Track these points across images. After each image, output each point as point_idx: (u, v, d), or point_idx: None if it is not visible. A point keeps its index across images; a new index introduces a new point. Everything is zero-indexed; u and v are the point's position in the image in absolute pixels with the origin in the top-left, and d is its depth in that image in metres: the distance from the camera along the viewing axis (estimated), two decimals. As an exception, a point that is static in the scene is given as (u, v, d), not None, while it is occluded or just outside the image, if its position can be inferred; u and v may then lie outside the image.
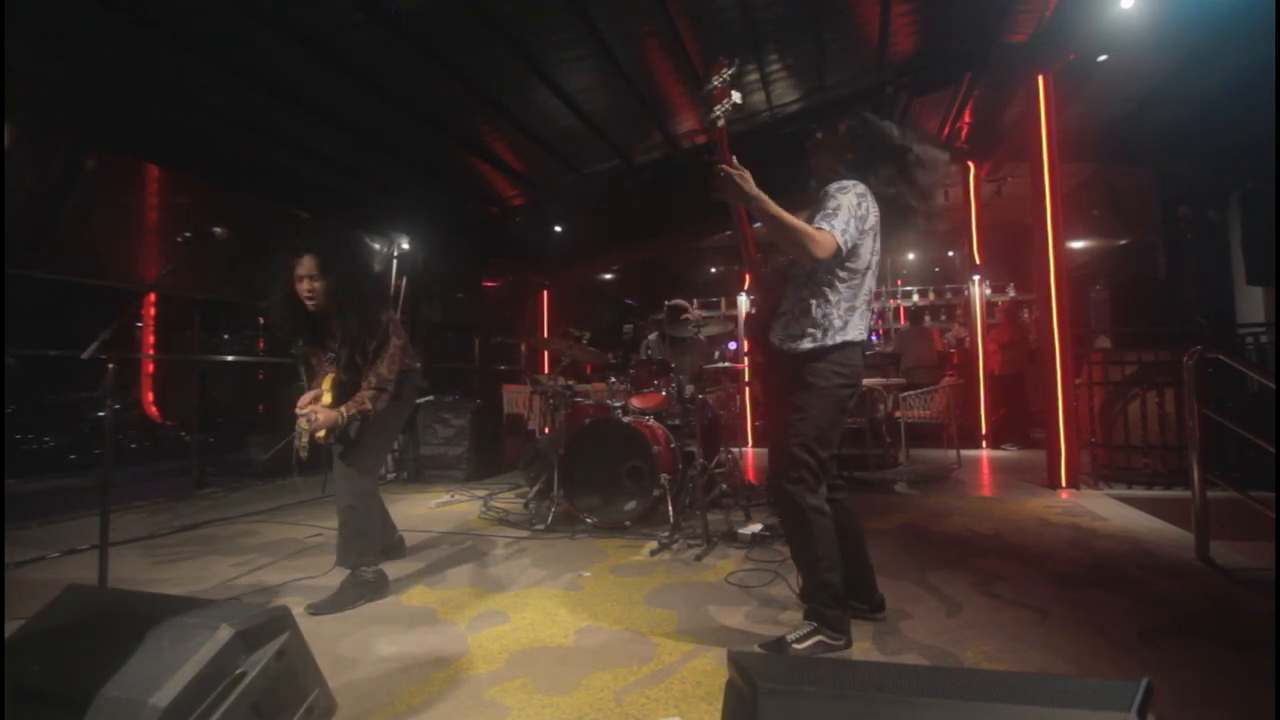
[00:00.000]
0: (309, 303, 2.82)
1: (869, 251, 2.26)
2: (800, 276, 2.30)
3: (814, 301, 2.24)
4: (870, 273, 2.29)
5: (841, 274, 2.23)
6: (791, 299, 2.31)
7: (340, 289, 2.82)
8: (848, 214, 2.15)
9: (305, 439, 2.74)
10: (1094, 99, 6.41)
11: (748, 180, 2.08)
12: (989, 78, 6.39)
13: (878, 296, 10.04)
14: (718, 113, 2.16)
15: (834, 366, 2.22)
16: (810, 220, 2.15)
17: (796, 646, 2.18)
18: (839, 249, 2.11)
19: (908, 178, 2.31)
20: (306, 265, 2.79)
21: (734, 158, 2.11)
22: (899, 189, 2.30)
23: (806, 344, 2.23)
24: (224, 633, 1.43)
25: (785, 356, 2.28)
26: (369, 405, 2.80)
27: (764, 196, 2.07)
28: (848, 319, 2.24)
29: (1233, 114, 6.34)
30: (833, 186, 2.22)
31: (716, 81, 2.17)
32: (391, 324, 2.93)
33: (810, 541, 2.22)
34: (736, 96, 2.17)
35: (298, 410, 2.77)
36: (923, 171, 2.33)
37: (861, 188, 2.23)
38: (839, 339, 2.22)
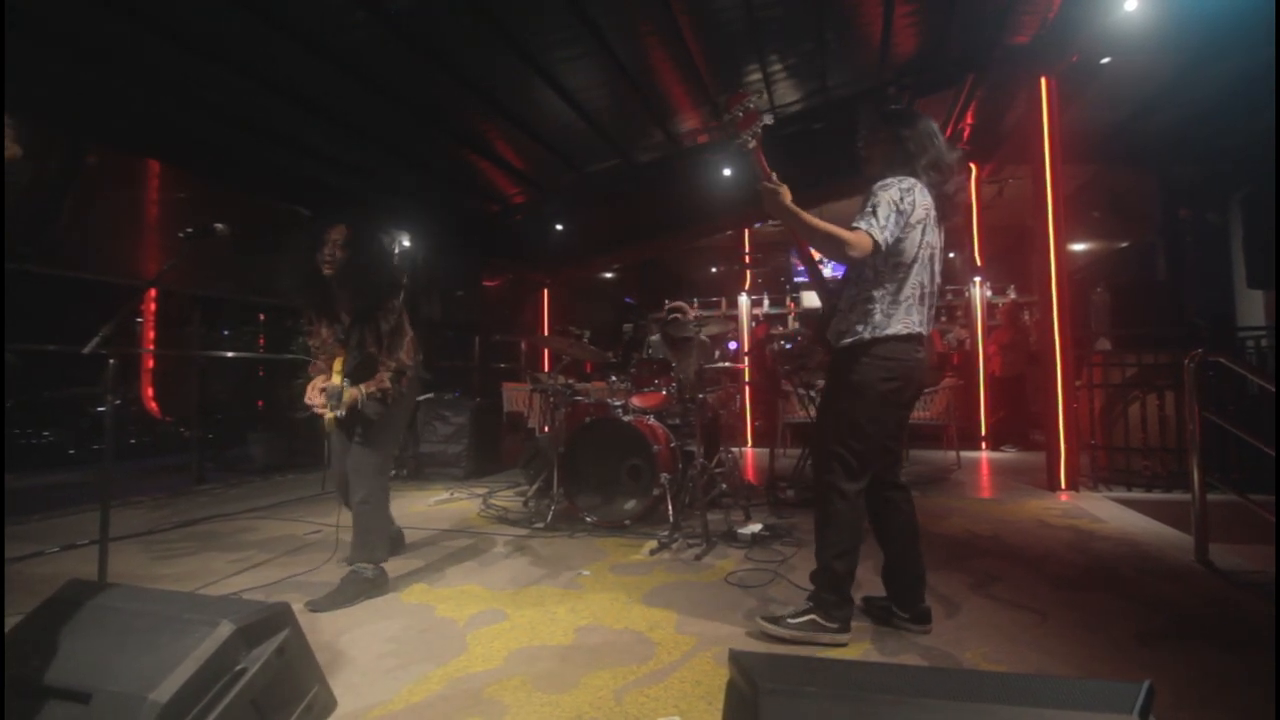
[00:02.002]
0: (326, 267, 2.86)
1: (915, 245, 2.27)
2: (853, 276, 2.35)
3: (861, 297, 2.30)
4: (919, 265, 2.29)
5: (884, 269, 2.27)
6: (845, 298, 2.36)
7: (357, 264, 2.88)
8: (888, 209, 2.19)
9: (340, 400, 2.76)
10: (1096, 101, 6.41)
11: (785, 195, 2.20)
12: (991, 79, 6.39)
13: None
14: (746, 136, 2.21)
15: (875, 361, 2.25)
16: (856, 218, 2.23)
17: (790, 621, 2.30)
18: (878, 246, 2.16)
19: (944, 175, 2.35)
20: (337, 233, 2.88)
21: (774, 174, 2.22)
22: (945, 184, 2.34)
23: (849, 339, 2.30)
24: (224, 629, 1.43)
25: (833, 352, 2.37)
26: (388, 385, 2.84)
27: (794, 208, 2.20)
28: (891, 313, 2.26)
29: (1234, 117, 6.34)
30: (877, 185, 2.26)
31: (739, 111, 2.21)
32: (404, 312, 3.00)
33: (829, 525, 2.30)
34: (768, 119, 2.23)
35: (315, 390, 2.83)
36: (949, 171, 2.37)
37: (908, 182, 2.25)
38: (881, 333, 2.25)
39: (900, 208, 2.20)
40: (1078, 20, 5.13)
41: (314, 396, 2.83)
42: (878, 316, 2.26)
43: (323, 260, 2.87)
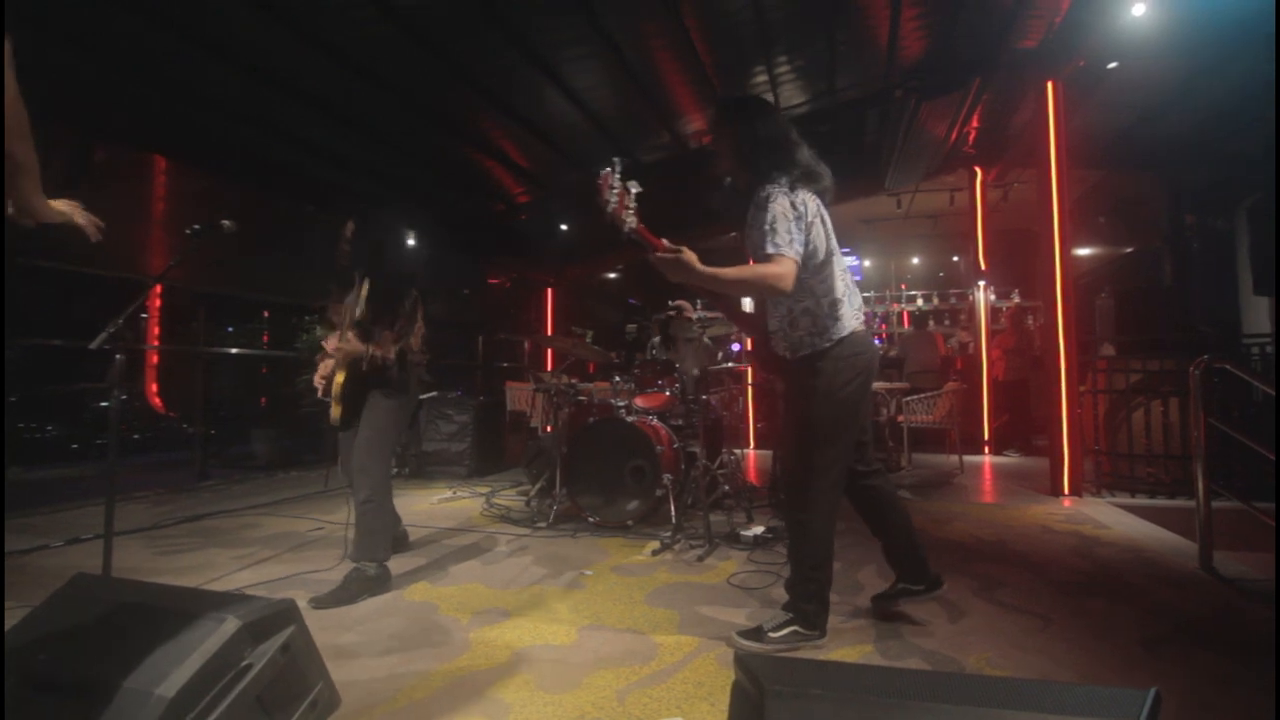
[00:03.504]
0: (342, 259, 3.11)
1: (823, 239, 2.23)
2: None
3: (799, 310, 2.26)
4: (835, 256, 2.28)
5: (808, 276, 2.22)
6: (776, 315, 2.32)
7: (369, 254, 3.09)
8: (785, 222, 2.11)
9: (340, 370, 2.93)
10: (1102, 106, 6.40)
11: (685, 255, 2.02)
12: (998, 83, 6.37)
13: (881, 300, 10.13)
14: (626, 219, 2.00)
15: (839, 363, 2.23)
16: (756, 244, 2.13)
17: (772, 635, 2.25)
18: (797, 264, 2.10)
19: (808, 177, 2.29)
20: (347, 228, 3.12)
21: (663, 240, 2.05)
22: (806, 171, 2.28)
23: (806, 350, 2.26)
24: (230, 625, 1.43)
25: (791, 365, 2.31)
26: (392, 356, 2.93)
27: (704, 269, 2.01)
28: (839, 313, 2.25)
29: (1241, 123, 6.32)
30: (761, 197, 2.18)
31: (611, 198, 1.98)
32: (418, 304, 3.11)
33: (806, 537, 2.28)
34: (634, 188, 2.03)
35: (324, 369, 3.03)
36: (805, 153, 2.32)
37: (785, 181, 2.20)
38: (839, 335, 2.24)
39: (795, 213, 2.13)
40: (1085, 24, 5.12)
41: (323, 371, 3.02)
42: (828, 321, 2.24)
43: (339, 254, 3.09)
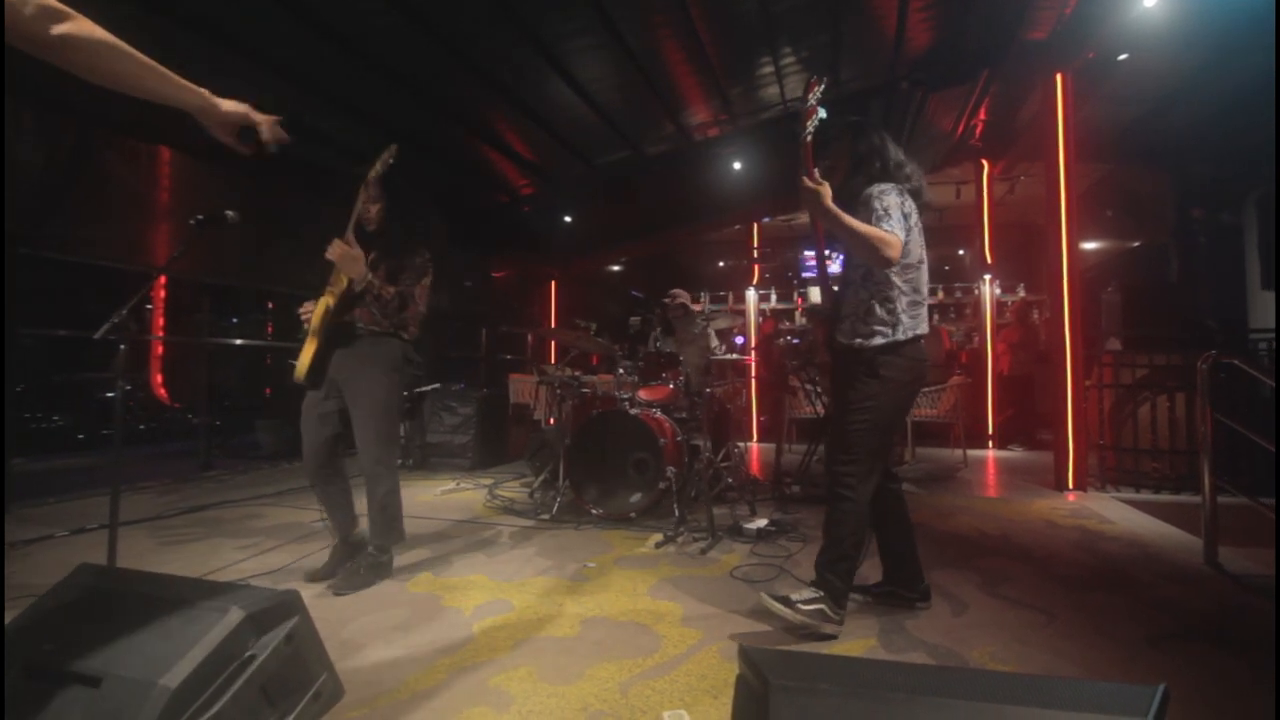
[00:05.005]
0: (369, 225, 2.93)
1: (918, 246, 2.39)
2: (857, 279, 2.41)
3: (876, 301, 2.36)
4: (923, 266, 2.42)
5: (899, 272, 2.34)
6: (852, 300, 2.42)
7: (392, 207, 2.95)
8: (898, 213, 2.28)
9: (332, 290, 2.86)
10: (1110, 98, 6.34)
11: (826, 195, 2.22)
12: (1006, 75, 6.32)
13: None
14: (808, 128, 2.28)
15: (904, 360, 2.35)
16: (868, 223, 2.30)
17: (801, 606, 2.30)
18: (902, 248, 2.27)
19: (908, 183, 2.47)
20: (372, 187, 2.90)
21: (815, 170, 2.25)
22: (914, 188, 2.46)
23: (878, 340, 2.35)
24: (234, 615, 1.43)
25: (854, 353, 2.39)
26: (386, 292, 2.83)
27: (838, 212, 2.23)
28: (915, 314, 2.37)
29: (1252, 116, 6.26)
30: (875, 190, 2.34)
31: (812, 99, 2.29)
32: (428, 269, 2.99)
33: (847, 519, 2.36)
34: (822, 112, 2.30)
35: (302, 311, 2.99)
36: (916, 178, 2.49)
37: (898, 186, 2.38)
38: (910, 334, 2.35)
39: (904, 211, 2.31)
40: (1095, 16, 5.07)
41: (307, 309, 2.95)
42: (905, 319, 2.35)
43: (365, 220, 2.91)
